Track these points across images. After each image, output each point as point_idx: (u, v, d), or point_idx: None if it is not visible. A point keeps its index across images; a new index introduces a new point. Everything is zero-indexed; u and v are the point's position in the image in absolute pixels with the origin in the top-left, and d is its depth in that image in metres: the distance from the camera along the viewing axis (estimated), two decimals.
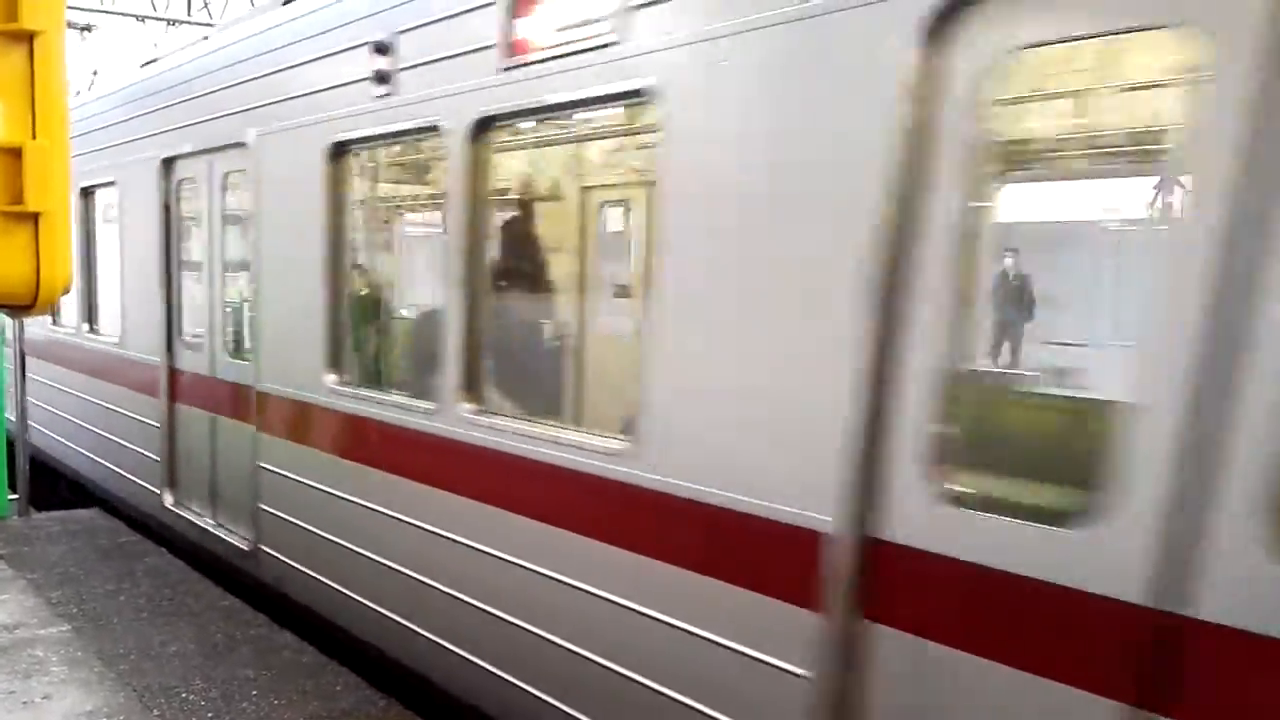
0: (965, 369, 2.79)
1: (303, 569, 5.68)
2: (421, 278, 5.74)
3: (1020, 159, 3.61)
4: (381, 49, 4.70)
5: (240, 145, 6.07)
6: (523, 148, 5.06)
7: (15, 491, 8.50)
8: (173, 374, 7.29)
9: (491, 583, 4.27)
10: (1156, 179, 3.25)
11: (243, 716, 4.67)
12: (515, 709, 4.20)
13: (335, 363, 5.33)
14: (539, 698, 4.05)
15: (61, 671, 5.08)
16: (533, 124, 4.44)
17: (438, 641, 4.61)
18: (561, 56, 3.76)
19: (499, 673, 4.26)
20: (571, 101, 3.81)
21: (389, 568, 4.92)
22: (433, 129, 4.46)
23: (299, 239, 5.46)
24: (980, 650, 2.71)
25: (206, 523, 6.87)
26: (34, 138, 2.49)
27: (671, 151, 3.39)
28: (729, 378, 3.27)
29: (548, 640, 3.99)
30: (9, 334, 8.67)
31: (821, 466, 2.96)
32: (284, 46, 5.66)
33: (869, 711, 2.97)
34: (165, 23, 19.51)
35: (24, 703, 4.71)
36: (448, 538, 4.51)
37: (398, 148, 5.15)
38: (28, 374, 8.81)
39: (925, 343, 2.74)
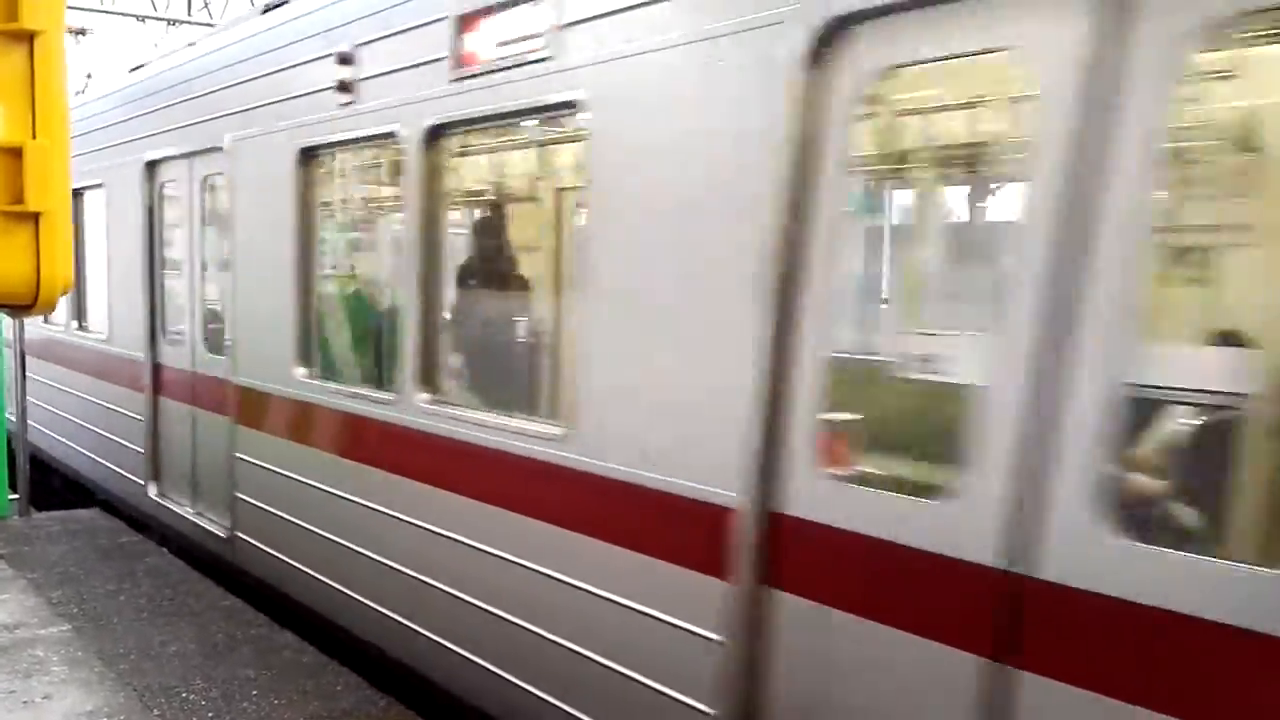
0: (847, 358, 3.06)
1: (275, 554, 5.96)
2: (383, 276, 6.01)
3: (890, 166, 3.91)
4: (345, 60, 4.98)
5: (218, 149, 6.35)
6: (474, 154, 5.33)
7: (15, 491, 8.56)
8: (156, 369, 7.58)
9: (445, 563, 4.55)
10: (995, 185, 3.52)
11: (243, 716, 4.69)
12: (461, 675, 4.49)
13: (304, 357, 5.61)
14: (483, 666, 4.34)
15: (62, 671, 5.09)
16: (481, 131, 4.70)
17: (395, 618, 4.90)
18: (503, 69, 4.04)
19: (450, 645, 4.54)
20: (512, 111, 4.09)
21: (355, 552, 5.20)
22: (391, 136, 4.74)
23: (271, 239, 5.74)
24: (865, 612, 2.98)
25: (187, 512, 7.15)
26: (34, 137, 2.48)
27: (597, 159, 3.67)
28: (649, 369, 3.55)
29: (493, 614, 4.27)
30: (9, 334, 8.78)
31: (728, 448, 3.24)
32: (257, 55, 5.94)
33: (774, 671, 3.25)
34: (165, 23, 19.50)
35: (24, 702, 4.73)
36: (407, 522, 4.79)
37: (361, 153, 5.43)
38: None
39: (813, 335, 3.02)
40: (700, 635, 3.40)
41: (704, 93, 3.27)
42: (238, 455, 6.32)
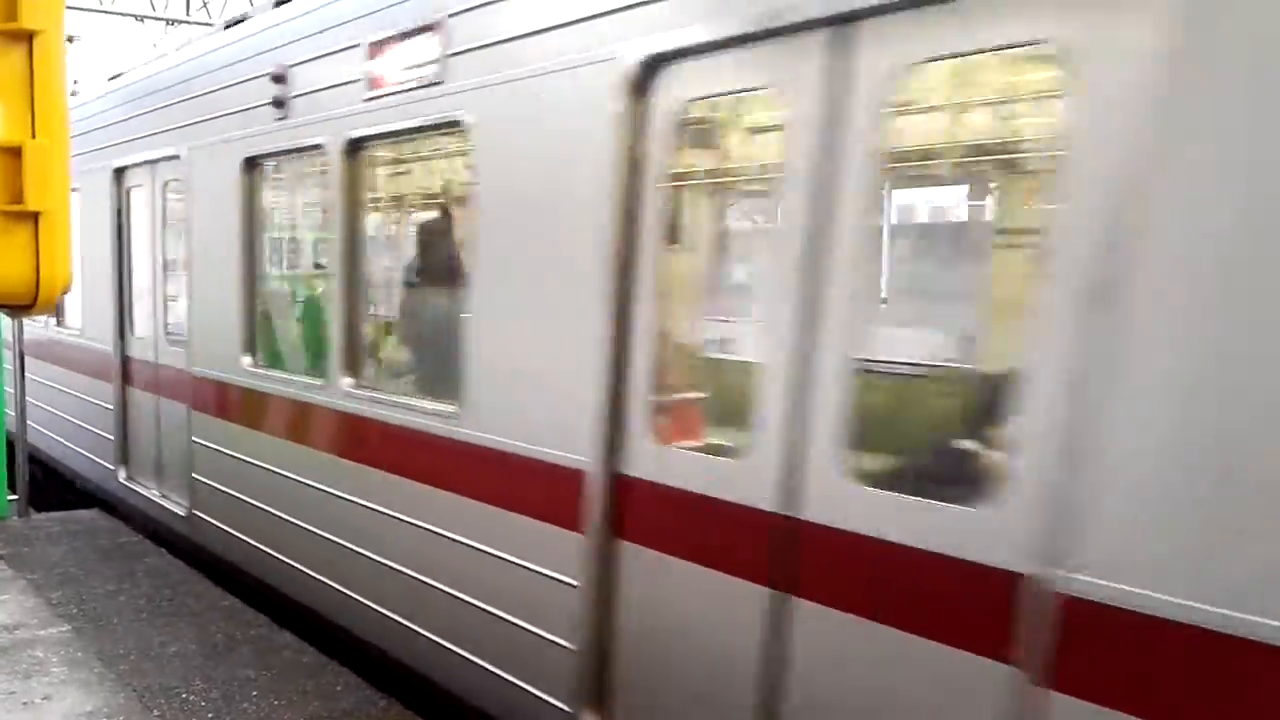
0: (670, 343, 3.63)
1: (227, 529, 6.52)
2: (315, 273, 6.55)
3: (696, 181, 4.47)
4: (278, 79, 5.53)
5: (176, 158, 6.90)
6: (387, 164, 5.87)
7: (15, 492, 8.59)
8: (125, 362, 8.14)
9: (366, 530, 5.11)
10: (770, 198, 4.06)
11: (243, 717, 4.71)
12: (378, 628, 5.06)
13: (250, 347, 6.17)
14: (395, 619, 4.91)
15: (61, 672, 5.10)
16: (391, 144, 5.25)
17: (328, 583, 5.45)
18: (405, 91, 4.60)
19: (366, 601, 5.10)
20: (414, 127, 4.64)
21: (293, 525, 5.75)
22: (317, 147, 5.30)
23: (221, 240, 6.29)
24: (687, 555, 3.54)
25: (153, 494, 7.71)
26: (33, 137, 2.47)
27: (478, 171, 4.23)
28: (521, 355, 4.11)
29: (402, 572, 4.83)
30: (8, 335, 8.90)
31: (581, 421, 3.79)
32: (210, 72, 6.49)
33: (621, 609, 3.80)
34: (164, 23, 19.86)
35: (24, 703, 4.73)
36: (336, 496, 5.34)
37: (294, 162, 5.97)
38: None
39: (644, 325, 3.58)
40: (562, 581, 3.96)
41: (558, 116, 3.83)
42: (194, 439, 6.88)
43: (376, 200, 5.52)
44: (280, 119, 5.58)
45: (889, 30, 2.79)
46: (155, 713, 4.68)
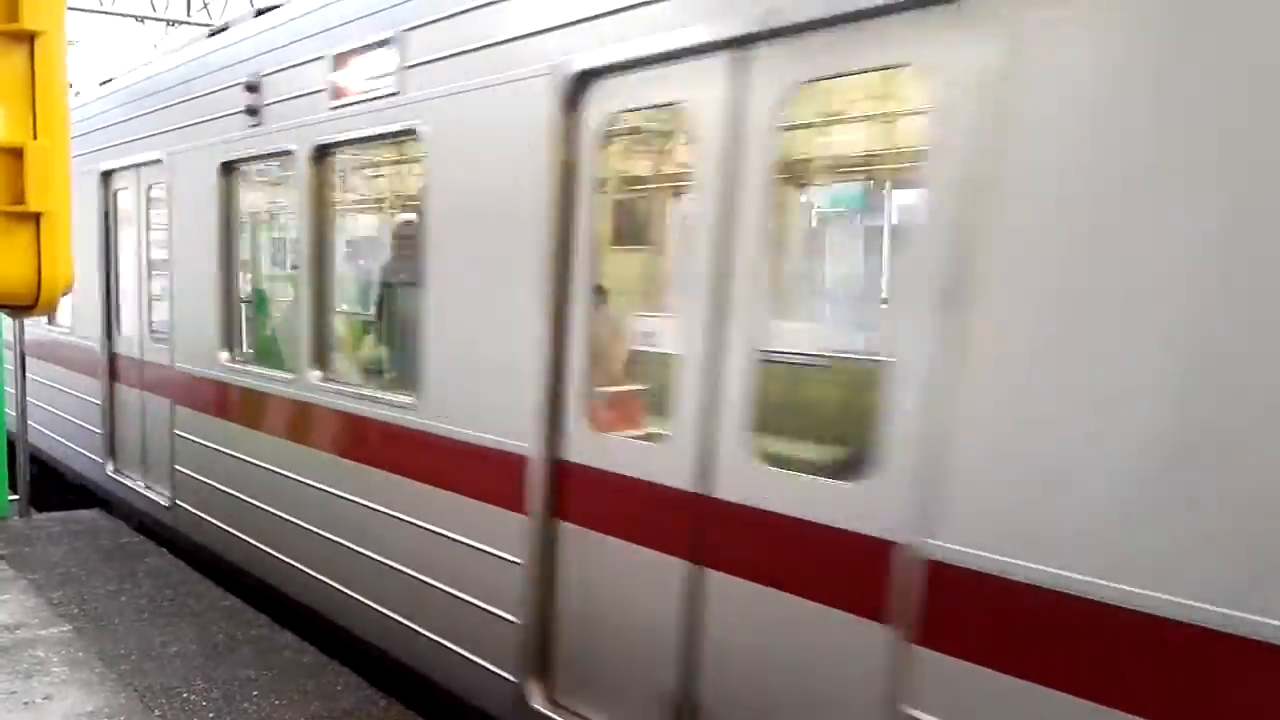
0: (603, 339, 3.92)
1: (206, 517, 6.80)
2: (286, 271, 6.83)
3: (624, 187, 4.77)
4: (251, 88, 5.82)
5: (159, 162, 7.18)
6: (352, 169, 6.17)
7: (16, 492, 8.62)
8: (112, 358, 8.43)
9: (334, 517, 5.39)
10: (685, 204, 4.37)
11: (244, 717, 4.72)
12: (341, 606, 5.35)
13: (227, 343, 6.46)
14: (356, 598, 5.21)
15: (62, 672, 5.11)
16: (355, 151, 5.54)
17: (295, 565, 5.74)
18: (366, 101, 4.88)
19: (332, 583, 5.39)
20: (374, 135, 4.93)
21: (266, 512, 6.03)
22: (287, 153, 5.58)
23: (200, 240, 6.58)
24: (618, 533, 3.82)
25: (139, 485, 7.99)
26: (35, 138, 2.48)
27: (431, 176, 4.51)
28: (471, 349, 4.39)
29: (365, 555, 5.11)
30: (8, 335, 8.96)
31: (526, 410, 4.07)
32: (190, 80, 6.77)
33: (561, 584, 4.08)
34: (165, 23, 19.82)
35: (25, 703, 4.74)
36: (307, 484, 5.62)
37: (268, 166, 6.26)
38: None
39: (579, 322, 3.86)
40: (508, 560, 4.24)
41: (502, 126, 4.11)
42: (176, 432, 7.16)
43: (342, 204, 5.81)
44: (254, 125, 5.86)
45: (779, 53, 3.08)
46: (156, 712, 4.71)
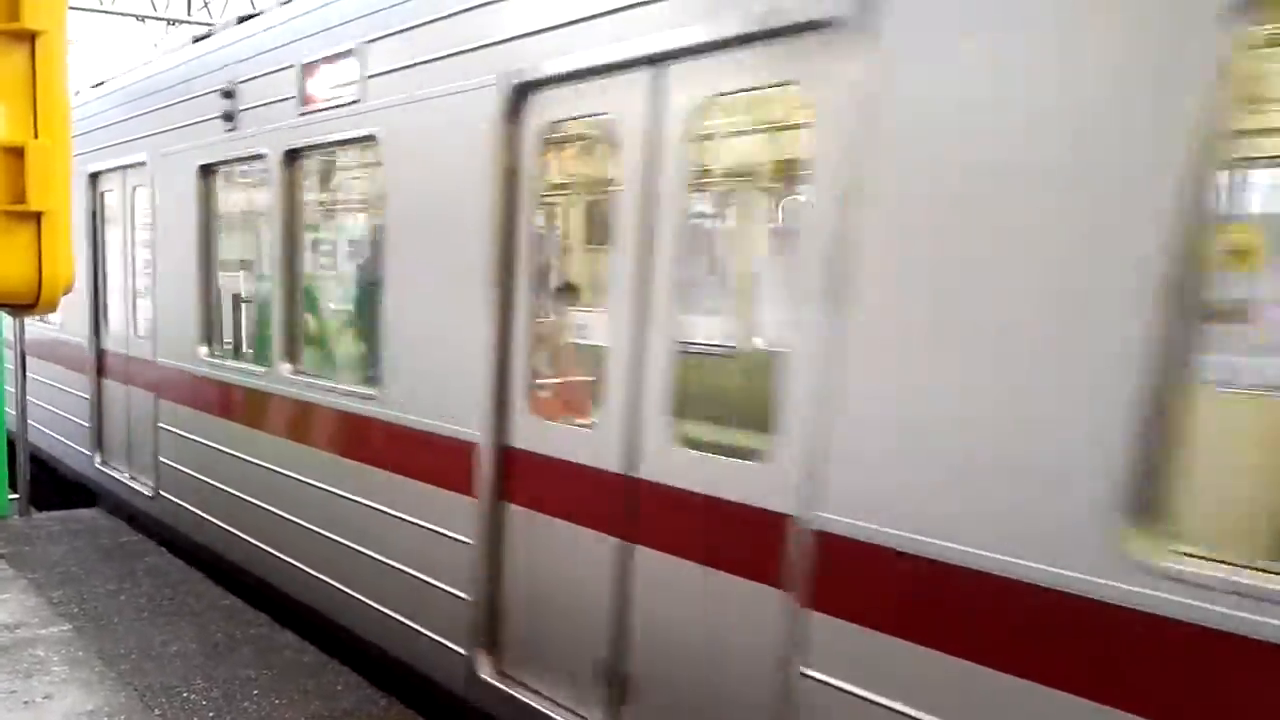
0: (544, 332, 4.20)
1: (187, 506, 7.09)
2: (261, 269, 7.10)
3: (560, 190, 5.05)
4: (227, 94, 6.10)
5: (143, 164, 7.47)
6: (320, 172, 6.43)
7: (16, 491, 8.67)
8: (100, 354, 8.71)
9: (302, 502, 5.67)
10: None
11: (244, 716, 4.74)
12: (307, 587, 5.65)
13: (206, 338, 6.75)
14: (322, 579, 5.50)
15: (62, 671, 5.12)
16: (323, 155, 5.81)
17: (270, 550, 6.01)
18: (331, 108, 5.16)
19: (303, 566, 5.67)
20: (338, 140, 5.21)
21: (242, 500, 6.31)
22: (260, 156, 5.86)
23: (181, 239, 6.86)
24: (557, 513, 4.10)
25: (125, 477, 8.27)
26: (36, 137, 2.47)
27: (388, 180, 4.80)
28: (426, 343, 4.67)
29: (329, 538, 5.40)
30: (9, 334, 9.05)
31: (475, 400, 4.35)
32: (173, 85, 7.05)
33: (508, 563, 4.36)
34: (165, 23, 19.96)
35: (25, 702, 4.75)
36: (278, 472, 5.90)
37: (243, 169, 6.55)
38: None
39: (522, 317, 4.14)
40: (460, 541, 4.52)
41: (451, 134, 4.39)
42: (160, 425, 7.44)
43: (312, 205, 6.08)
44: (230, 130, 6.14)
45: (691, 70, 3.37)
46: (156, 712, 4.73)
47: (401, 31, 4.63)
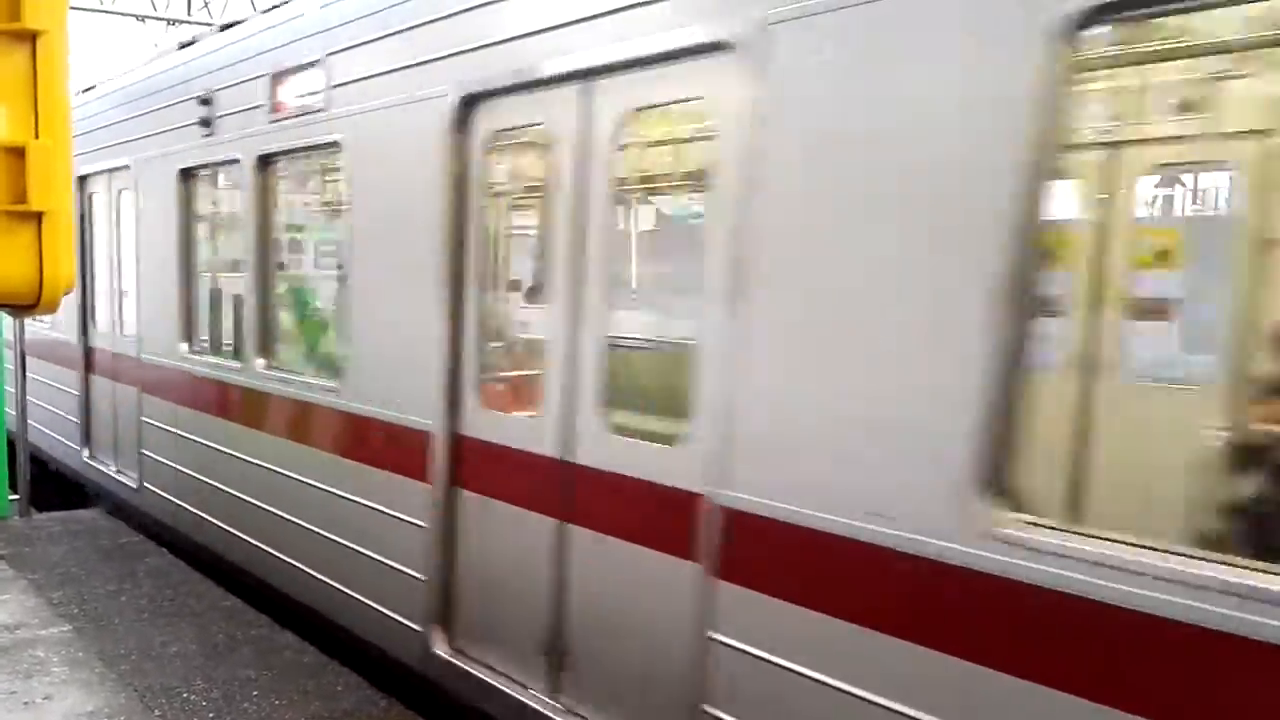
0: (491, 328, 4.49)
1: (168, 497, 7.37)
2: (237, 269, 7.39)
3: (506, 194, 5.36)
4: (204, 101, 6.38)
5: (126, 168, 7.75)
6: (290, 176, 6.71)
7: (16, 492, 8.71)
8: (88, 351, 8.99)
9: (274, 490, 5.95)
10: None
11: (244, 717, 4.75)
12: (275, 569, 5.93)
13: (186, 335, 7.03)
14: (288, 561, 5.79)
15: (62, 672, 5.13)
16: (291, 160, 6.09)
17: (244, 538, 6.29)
18: (299, 115, 5.44)
19: (268, 549, 5.95)
20: (306, 146, 5.49)
21: (220, 490, 6.59)
22: (235, 161, 6.14)
23: (162, 240, 7.14)
24: (503, 497, 4.38)
25: (111, 470, 8.55)
26: (37, 137, 2.47)
27: (351, 185, 5.08)
28: (384, 337, 4.95)
29: (295, 523, 5.68)
30: (8, 334, 9.15)
31: (429, 391, 4.62)
32: (155, 92, 7.34)
33: (460, 545, 4.64)
34: (165, 23, 20.13)
35: (25, 703, 4.76)
36: (250, 462, 6.18)
37: (219, 173, 6.83)
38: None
39: (471, 314, 4.42)
40: (415, 524, 4.80)
41: (407, 141, 4.67)
42: (144, 419, 7.73)
43: (283, 208, 6.38)
44: (207, 136, 6.43)
45: (614, 86, 3.66)
46: (156, 712, 4.74)
47: (363, 44, 4.91)
